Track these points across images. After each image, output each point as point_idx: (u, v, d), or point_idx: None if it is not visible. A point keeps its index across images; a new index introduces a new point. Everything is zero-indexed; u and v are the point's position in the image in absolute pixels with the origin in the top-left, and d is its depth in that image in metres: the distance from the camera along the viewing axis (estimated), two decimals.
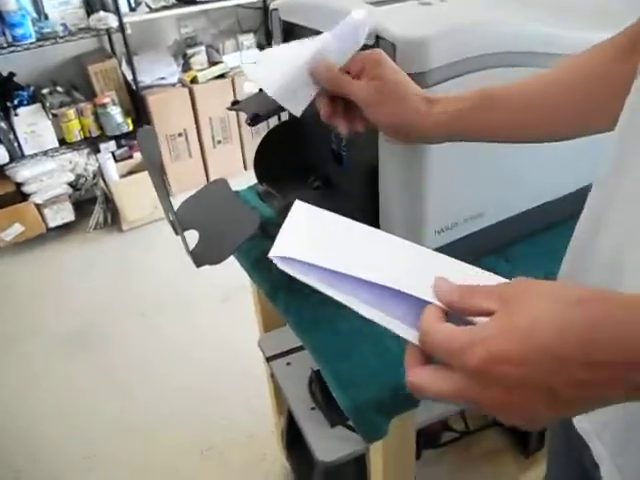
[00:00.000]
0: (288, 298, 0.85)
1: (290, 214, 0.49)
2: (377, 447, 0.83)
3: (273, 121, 0.96)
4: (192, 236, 0.84)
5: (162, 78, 2.89)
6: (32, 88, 2.76)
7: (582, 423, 0.53)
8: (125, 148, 2.92)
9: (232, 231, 0.79)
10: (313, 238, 0.46)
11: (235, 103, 0.82)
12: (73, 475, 1.63)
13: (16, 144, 2.63)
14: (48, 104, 2.72)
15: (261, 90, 0.86)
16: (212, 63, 2.99)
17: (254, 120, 0.75)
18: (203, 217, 0.84)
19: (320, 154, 0.96)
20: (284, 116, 0.99)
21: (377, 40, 0.67)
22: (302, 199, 0.99)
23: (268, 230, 0.98)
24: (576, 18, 0.82)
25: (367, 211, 0.83)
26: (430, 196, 0.75)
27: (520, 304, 0.35)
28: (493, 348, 0.33)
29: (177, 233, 0.84)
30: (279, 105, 0.79)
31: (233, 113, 3.07)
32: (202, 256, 0.78)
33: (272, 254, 0.43)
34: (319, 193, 0.98)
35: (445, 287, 0.40)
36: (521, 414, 0.35)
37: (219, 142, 3.09)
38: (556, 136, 0.63)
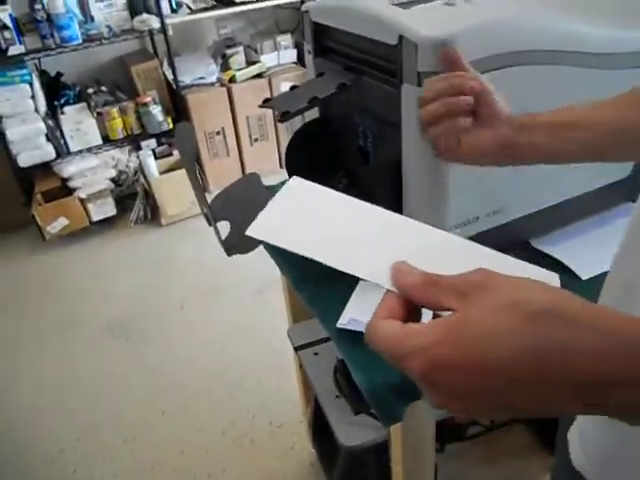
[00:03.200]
0: (313, 289, 0.89)
1: (283, 188, 0.49)
2: (397, 433, 0.86)
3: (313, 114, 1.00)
4: (224, 227, 0.89)
5: (201, 78, 2.97)
6: (78, 88, 2.89)
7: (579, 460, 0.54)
8: (165, 146, 3.01)
9: None
10: (293, 216, 0.47)
11: (267, 100, 0.86)
12: (112, 453, 1.70)
13: (62, 141, 2.75)
14: (93, 103, 2.84)
15: (292, 88, 0.91)
16: (250, 63, 3.05)
17: (284, 116, 0.79)
18: (235, 209, 0.88)
19: (348, 151, 0.99)
20: (314, 114, 1.03)
21: (400, 40, 0.70)
22: None
23: None
24: (604, 17, 0.83)
25: (391, 207, 0.86)
26: (452, 191, 0.78)
27: (478, 306, 0.33)
28: (439, 358, 0.32)
29: (210, 224, 0.89)
30: (308, 103, 0.83)
31: (270, 112, 3.13)
32: (232, 246, 0.82)
33: (248, 232, 0.45)
34: (345, 189, 1.02)
35: (404, 275, 0.37)
36: (474, 414, 0.36)
37: (256, 140, 3.15)
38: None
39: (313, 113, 1.03)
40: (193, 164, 0.76)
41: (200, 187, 0.81)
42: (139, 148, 2.97)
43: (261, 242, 0.84)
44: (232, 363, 1.97)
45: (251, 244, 0.81)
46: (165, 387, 1.91)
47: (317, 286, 0.89)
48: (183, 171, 2.72)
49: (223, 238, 0.85)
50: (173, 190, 2.78)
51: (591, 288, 0.51)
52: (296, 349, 1.21)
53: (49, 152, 2.70)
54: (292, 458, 1.63)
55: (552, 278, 0.43)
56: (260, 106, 0.87)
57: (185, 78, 2.93)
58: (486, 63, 0.70)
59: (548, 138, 0.59)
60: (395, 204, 0.86)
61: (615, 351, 0.29)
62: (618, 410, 0.31)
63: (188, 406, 1.83)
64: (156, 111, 2.86)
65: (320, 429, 1.34)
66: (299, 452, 1.63)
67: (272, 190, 1.14)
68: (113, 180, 2.92)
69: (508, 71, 0.72)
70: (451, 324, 0.33)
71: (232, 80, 3.00)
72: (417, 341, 0.33)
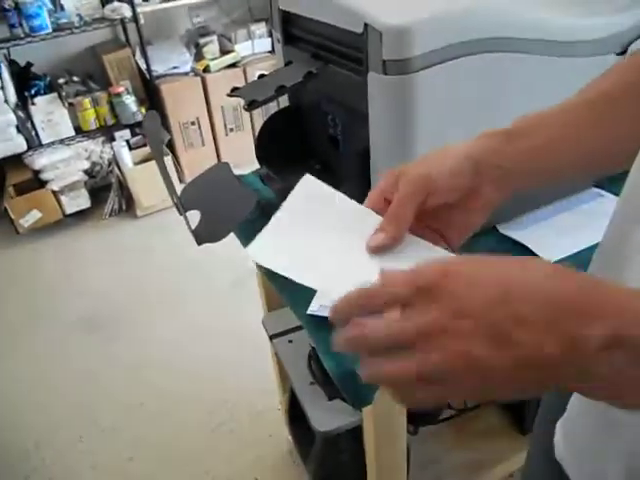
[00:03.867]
0: (284, 277, 0.90)
1: (296, 189, 0.52)
2: (369, 417, 0.88)
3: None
4: (195, 216, 0.89)
5: (175, 67, 2.94)
6: (48, 78, 2.84)
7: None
8: (139, 136, 2.98)
9: (231, 211, 0.83)
10: (295, 233, 0.49)
11: (234, 89, 0.86)
12: (89, 446, 1.70)
13: (34, 132, 2.70)
14: (64, 93, 2.79)
15: (260, 77, 0.91)
16: (224, 52, 3.03)
17: (251, 105, 0.79)
18: (205, 198, 0.88)
19: (319, 139, 1.00)
20: (283, 102, 1.04)
21: (365, 28, 0.71)
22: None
23: (268, 211, 1.03)
24: (564, 4, 0.84)
25: (360, 192, 0.87)
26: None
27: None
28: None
29: (180, 213, 0.89)
30: (275, 92, 0.83)
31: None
32: (203, 235, 0.82)
33: (248, 251, 0.48)
34: (318, 175, 1.02)
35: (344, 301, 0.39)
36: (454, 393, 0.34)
37: (231, 130, 3.14)
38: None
39: (284, 101, 1.03)
40: (161, 152, 0.76)
41: (169, 176, 0.81)
42: (113, 139, 2.93)
43: (229, 232, 0.85)
44: (209, 354, 1.97)
45: (221, 232, 0.81)
46: (141, 380, 1.91)
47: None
48: None
49: (193, 227, 0.85)
50: (148, 181, 2.75)
51: None
52: (271, 337, 1.22)
53: (20, 144, 2.65)
54: (270, 446, 1.64)
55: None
56: (228, 95, 0.87)
57: (158, 68, 2.90)
58: (448, 51, 0.71)
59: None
60: (364, 189, 0.87)
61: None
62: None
63: (165, 398, 1.83)
64: (129, 101, 2.83)
65: (296, 416, 1.36)
66: (277, 440, 1.64)
67: (243, 179, 1.14)
68: (86, 172, 2.88)
69: (470, 59, 0.73)
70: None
71: (206, 70, 2.97)
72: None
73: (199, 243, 0.83)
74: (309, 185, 0.52)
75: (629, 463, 0.43)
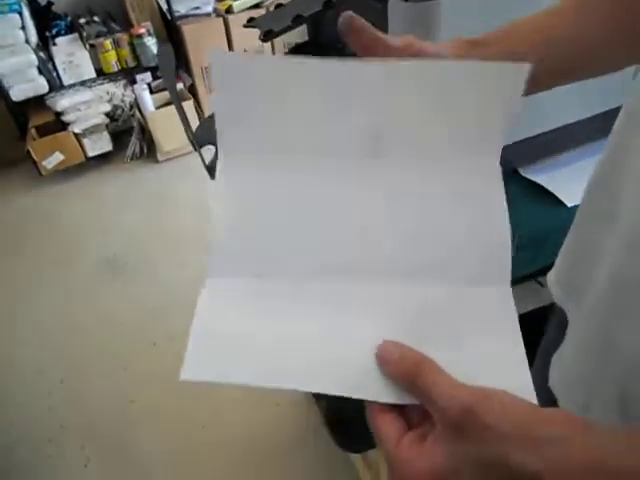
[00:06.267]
0: None
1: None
2: None
3: None
4: (210, 152, 0.88)
5: (197, 8, 2.87)
6: (69, 18, 2.80)
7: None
8: (161, 79, 2.94)
9: None
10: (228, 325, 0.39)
11: (251, 20, 0.83)
12: (107, 384, 1.76)
13: (55, 74, 2.69)
14: (85, 34, 2.76)
15: (277, 6, 0.87)
16: None
17: (267, 35, 0.77)
18: None
19: None
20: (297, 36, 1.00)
21: None
22: None
23: None
24: None
25: None
26: None
27: (462, 454, 0.31)
28: None
29: (195, 149, 0.88)
30: (292, 22, 0.80)
31: (268, 44, 3.04)
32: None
33: (183, 377, 0.39)
34: None
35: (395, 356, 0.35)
36: None
37: None
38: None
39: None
40: (175, 86, 0.74)
41: (183, 110, 0.79)
42: (134, 82, 2.90)
43: None
44: None
45: None
46: (160, 322, 1.95)
47: None
48: None
49: (207, 162, 0.84)
50: (169, 125, 2.73)
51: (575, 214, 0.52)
52: None
53: (42, 85, 2.64)
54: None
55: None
56: (245, 25, 0.84)
57: (180, 8, 2.84)
58: None
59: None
60: None
61: None
62: None
63: (183, 341, 1.86)
64: (151, 43, 2.78)
65: None
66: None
67: None
68: (108, 115, 2.87)
69: None
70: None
71: (229, 11, 2.90)
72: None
73: (213, 177, 0.82)
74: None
75: (624, 385, 0.43)
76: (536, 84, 0.45)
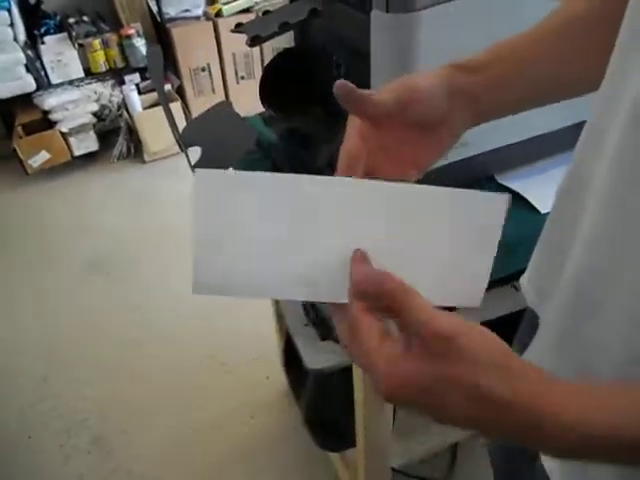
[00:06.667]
0: None
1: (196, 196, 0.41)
2: None
3: None
4: (196, 152, 0.90)
5: (187, 10, 2.89)
6: (59, 17, 2.80)
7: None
8: (149, 80, 2.95)
9: (231, 146, 0.84)
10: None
11: (238, 25, 0.86)
12: (93, 380, 1.76)
13: (43, 72, 2.68)
14: (74, 34, 2.76)
15: (265, 13, 0.90)
16: None
17: (254, 41, 0.79)
18: (206, 134, 0.89)
19: (323, 81, 0.99)
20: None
21: None
22: (304, 124, 1.03)
23: (271, 154, 1.04)
24: None
25: None
26: None
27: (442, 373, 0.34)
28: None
29: (182, 149, 0.90)
30: (279, 29, 0.82)
31: (257, 50, 3.06)
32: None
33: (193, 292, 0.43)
34: (321, 120, 1.02)
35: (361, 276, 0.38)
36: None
37: (242, 78, 3.10)
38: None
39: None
40: (163, 87, 0.76)
41: (170, 110, 0.81)
42: (122, 82, 2.91)
43: (228, 167, 0.86)
44: (210, 299, 1.99)
45: (219, 168, 0.82)
46: (143, 321, 1.96)
47: None
48: None
49: (193, 163, 0.86)
50: (157, 126, 2.74)
51: None
52: None
53: (29, 83, 2.64)
54: (267, 388, 1.70)
55: (503, 198, 0.44)
56: (232, 31, 0.86)
57: (170, 10, 2.85)
58: None
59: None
60: None
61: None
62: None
63: (167, 340, 1.88)
64: (140, 44, 2.79)
65: (292, 358, 1.39)
66: (274, 382, 1.69)
67: (246, 121, 1.14)
68: (95, 114, 2.87)
69: None
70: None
71: (219, 14, 2.92)
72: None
73: None
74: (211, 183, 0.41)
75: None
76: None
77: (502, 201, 0.43)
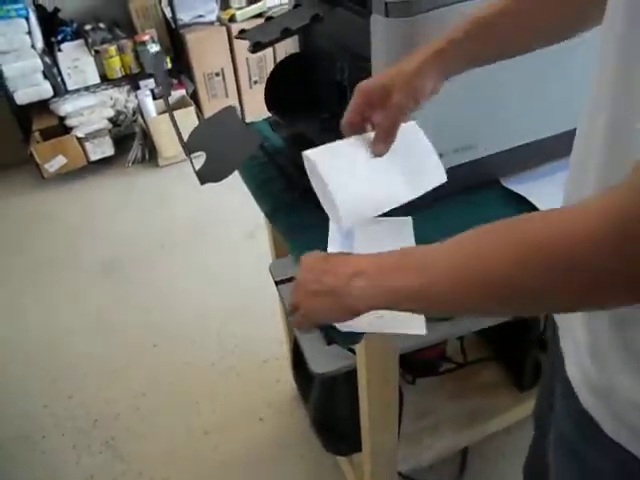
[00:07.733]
0: (286, 220, 0.92)
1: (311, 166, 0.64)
2: (362, 360, 0.90)
3: None
4: (201, 158, 0.91)
5: (200, 16, 2.92)
6: (75, 24, 2.84)
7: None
8: None
9: (235, 151, 0.85)
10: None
11: (242, 32, 0.86)
12: (104, 381, 1.78)
13: (59, 79, 2.73)
14: (90, 40, 2.80)
15: (268, 19, 0.91)
16: (251, 1, 2.99)
17: (256, 47, 0.80)
18: (210, 140, 0.90)
19: (328, 87, 1.00)
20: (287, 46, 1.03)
21: None
22: (308, 130, 1.04)
23: (276, 159, 1.04)
24: None
25: None
26: (419, 125, 0.79)
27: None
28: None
29: (187, 155, 0.91)
30: (280, 35, 0.83)
31: (269, 54, 3.08)
32: (206, 174, 0.84)
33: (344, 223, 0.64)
34: (325, 125, 1.03)
35: None
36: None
37: (255, 82, 3.12)
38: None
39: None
40: (168, 90, 0.77)
41: (173, 116, 0.82)
42: (137, 88, 2.95)
43: (232, 171, 0.86)
44: (221, 302, 2.02)
45: (224, 172, 0.83)
46: (155, 324, 1.97)
47: (289, 217, 0.91)
48: (182, 112, 2.71)
49: (197, 168, 0.87)
50: (170, 131, 2.74)
51: None
52: (276, 283, 1.24)
53: (46, 89, 2.69)
54: (277, 390, 1.70)
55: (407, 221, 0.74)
56: (236, 37, 0.87)
57: (184, 16, 2.88)
58: None
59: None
60: None
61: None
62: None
63: (178, 343, 1.89)
64: (154, 50, 2.82)
65: (300, 362, 1.40)
66: (284, 385, 1.69)
67: (253, 126, 1.15)
68: (111, 120, 2.91)
69: (474, 3, 0.72)
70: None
71: (232, 19, 2.94)
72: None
73: (202, 183, 0.85)
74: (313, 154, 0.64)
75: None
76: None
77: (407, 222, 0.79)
